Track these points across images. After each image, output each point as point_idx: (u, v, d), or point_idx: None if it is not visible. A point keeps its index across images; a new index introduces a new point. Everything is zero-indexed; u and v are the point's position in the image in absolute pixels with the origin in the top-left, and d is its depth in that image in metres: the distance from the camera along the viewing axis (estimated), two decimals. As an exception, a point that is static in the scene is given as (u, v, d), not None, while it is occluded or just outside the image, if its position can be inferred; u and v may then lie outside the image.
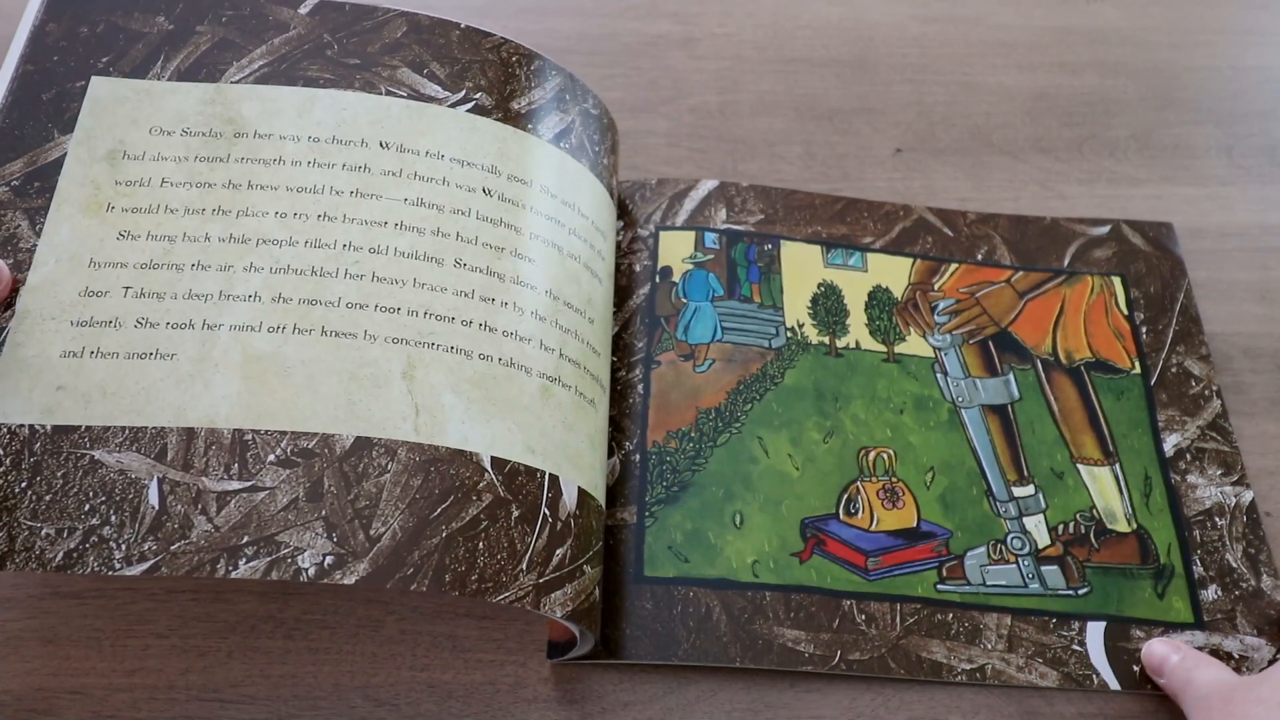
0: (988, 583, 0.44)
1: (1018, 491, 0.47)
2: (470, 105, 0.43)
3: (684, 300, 0.50)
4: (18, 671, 0.40)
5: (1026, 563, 0.45)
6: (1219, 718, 0.38)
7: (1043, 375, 0.50)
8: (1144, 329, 0.52)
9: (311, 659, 0.41)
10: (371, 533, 0.35)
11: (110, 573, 0.33)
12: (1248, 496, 0.47)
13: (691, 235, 0.52)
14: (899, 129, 0.60)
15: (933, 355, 0.50)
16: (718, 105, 0.60)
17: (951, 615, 0.43)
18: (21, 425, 0.35)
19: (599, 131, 0.48)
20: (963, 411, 0.49)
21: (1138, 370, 0.51)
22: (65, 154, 0.39)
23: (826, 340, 0.50)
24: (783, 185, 0.57)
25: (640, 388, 0.47)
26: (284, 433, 0.36)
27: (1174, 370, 0.51)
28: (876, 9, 0.66)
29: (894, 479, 0.46)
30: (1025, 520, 0.46)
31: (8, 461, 0.34)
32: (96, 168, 0.39)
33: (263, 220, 0.39)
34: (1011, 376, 0.50)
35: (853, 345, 0.50)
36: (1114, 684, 0.42)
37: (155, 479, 0.35)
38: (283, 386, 0.36)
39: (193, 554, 0.34)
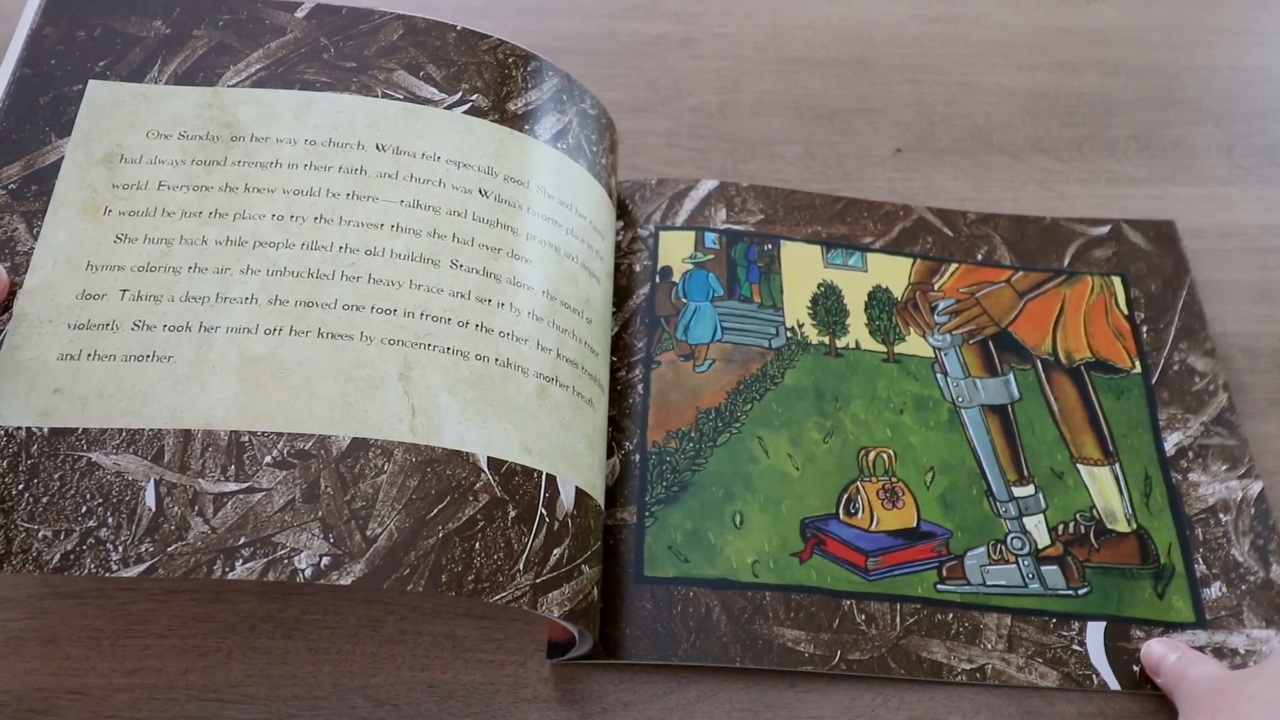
0: (988, 583, 0.44)
1: (1018, 491, 0.46)
2: (467, 107, 0.43)
3: (684, 300, 0.50)
4: (18, 671, 0.40)
5: (1026, 563, 0.45)
6: (1208, 712, 0.38)
7: (1042, 375, 0.50)
8: (1144, 328, 0.52)
9: (311, 659, 0.41)
10: (368, 533, 0.35)
11: (107, 574, 0.33)
12: (1256, 488, 0.47)
13: (691, 235, 0.52)
14: (899, 129, 0.60)
15: (933, 355, 0.50)
16: (718, 105, 0.60)
17: (951, 615, 0.43)
18: (19, 428, 0.35)
19: (597, 132, 0.48)
20: (963, 411, 0.49)
21: (1138, 370, 0.50)
22: (62, 157, 0.39)
23: (826, 340, 0.50)
24: (783, 185, 0.57)
25: (640, 388, 0.47)
26: (280, 434, 0.35)
27: (1176, 368, 0.51)
28: (876, 9, 0.66)
29: (894, 479, 0.46)
30: (1025, 520, 0.46)
31: (4, 464, 0.34)
32: (94, 171, 0.39)
33: (259, 223, 0.39)
34: (1011, 376, 0.50)
35: (853, 345, 0.50)
36: (1114, 684, 0.42)
37: (152, 481, 0.34)
38: (279, 388, 0.36)
39: (189, 555, 0.34)
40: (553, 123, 0.45)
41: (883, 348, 0.50)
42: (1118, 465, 0.48)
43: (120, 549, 0.34)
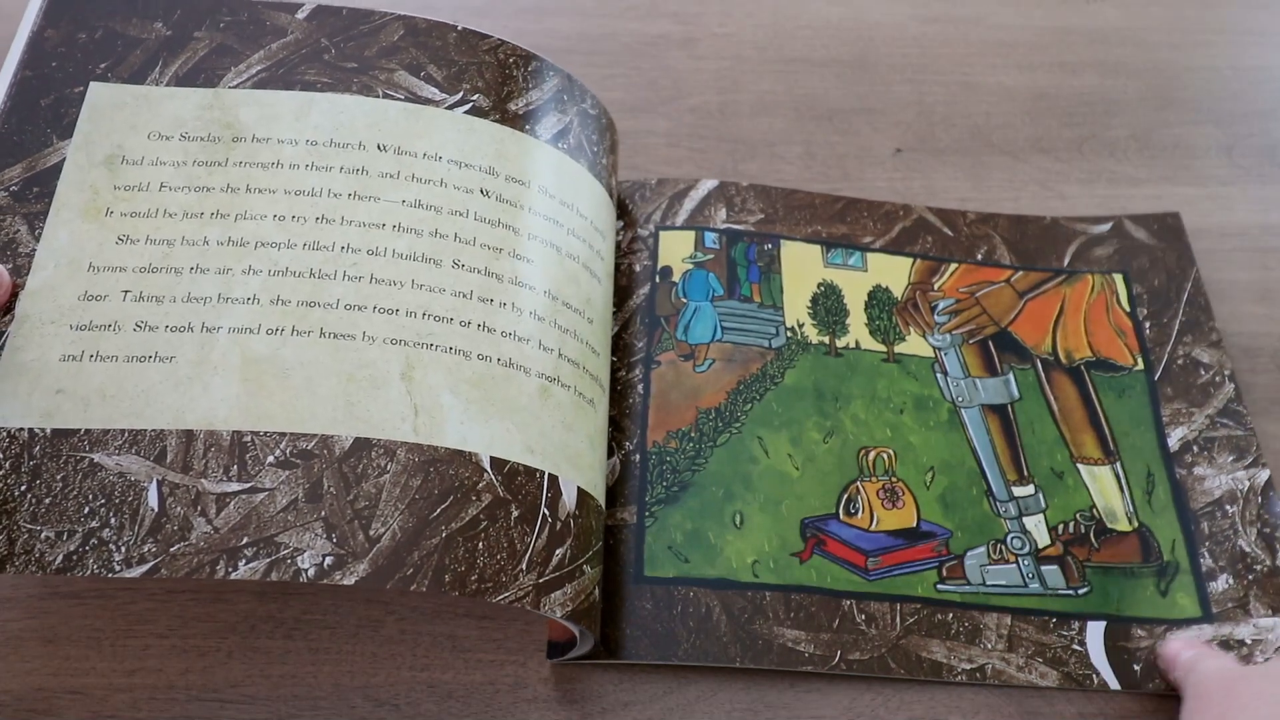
0: (988, 582, 0.44)
1: (1018, 491, 0.47)
2: (468, 107, 0.43)
3: (684, 300, 0.50)
4: (18, 671, 0.40)
5: (1026, 562, 0.45)
6: (1218, 706, 0.38)
7: (1042, 375, 0.50)
8: (1147, 324, 0.52)
9: (311, 659, 0.41)
10: (371, 533, 0.35)
11: (110, 575, 0.33)
12: (1264, 476, 0.47)
13: (691, 235, 0.52)
14: (899, 129, 0.60)
15: (932, 355, 0.50)
16: (718, 105, 0.60)
17: (951, 615, 0.43)
18: (21, 429, 0.35)
19: (597, 132, 0.48)
20: (962, 411, 0.49)
21: (1140, 366, 0.51)
22: (64, 159, 0.40)
23: (826, 340, 0.50)
24: (783, 185, 0.57)
25: (640, 388, 0.47)
26: (283, 434, 0.36)
27: (1180, 362, 0.51)
28: (876, 9, 0.66)
29: (894, 479, 0.46)
30: (1025, 520, 0.46)
31: (7, 465, 0.34)
32: (95, 172, 0.39)
33: (261, 223, 0.39)
34: (1011, 376, 0.50)
35: (853, 345, 0.50)
36: (1114, 683, 0.42)
37: (154, 481, 0.35)
38: (281, 388, 0.36)
39: (192, 555, 0.34)
40: (554, 123, 0.45)
41: (883, 347, 0.50)
42: (1119, 464, 0.48)
43: (123, 549, 0.34)
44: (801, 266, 0.52)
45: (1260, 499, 0.47)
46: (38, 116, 0.40)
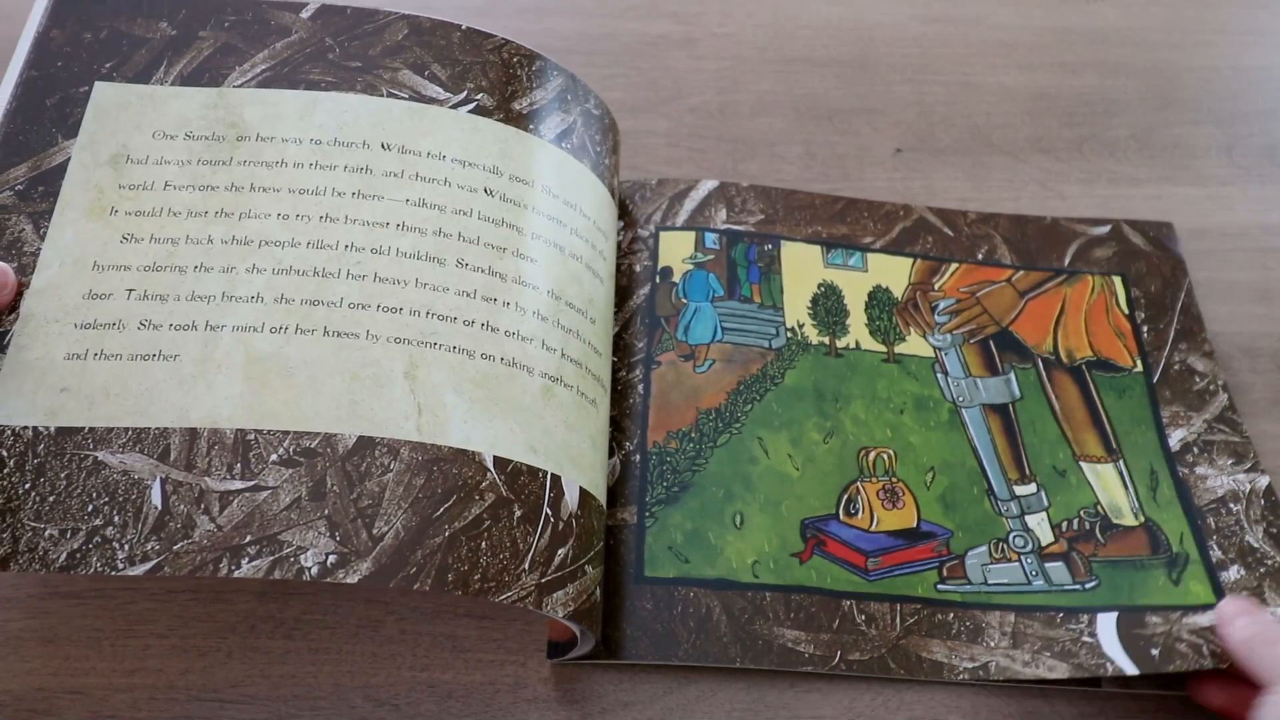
0: (989, 581, 0.45)
1: (1019, 490, 0.47)
2: (472, 106, 0.44)
3: (684, 300, 0.50)
4: (18, 671, 0.40)
5: (1029, 560, 0.45)
6: None
7: (1044, 374, 0.51)
8: (1145, 328, 0.53)
9: (311, 659, 0.41)
10: (374, 532, 0.35)
11: (113, 573, 0.34)
12: (1264, 481, 0.48)
13: (692, 236, 0.53)
14: (899, 129, 0.61)
15: (933, 355, 0.51)
16: (718, 105, 0.61)
17: (952, 615, 0.44)
18: (25, 427, 0.35)
19: (601, 132, 0.48)
20: (963, 411, 0.49)
21: (1139, 368, 0.51)
22: (69, 158, 0.40)
23: (826, 340, 0.50)
24: (783, 185, 0.57)
25: (640, 388, 0.48)
26: (286, 432, 0.36)
27: (1176, 368, 0.51)
28: (876, 9, 0.67)
29: (894, 479, 0.47)
30: (1027, 519, 0.47)
31: (11, 463, 0.35)
32: (100, 172, 0.40)
33: (265, 222, 0.39)
34: (1012, 375, 0.51)
35: (853, 345, 0.50)
36: (1130, 669, 0.42)
37: (158, 479, 0.35)
38: (285, 386, 0.36)
39: (195, 553, 0.34)
40: (557, 122, 0.46)
41: (883, 348, 0.50)
42: (1121, 462, 0.48)
43: (126, 547, 0.34)
44: (801, 267, 0.52)
45: (1263, 501, 0.47)
46: (43, 116, 0.41)
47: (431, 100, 0.43)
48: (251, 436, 0.36)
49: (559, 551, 0.38)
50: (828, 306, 0.51)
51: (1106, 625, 0.44)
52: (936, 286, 0.53)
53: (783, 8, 0.66)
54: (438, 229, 0.40)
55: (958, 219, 0.56)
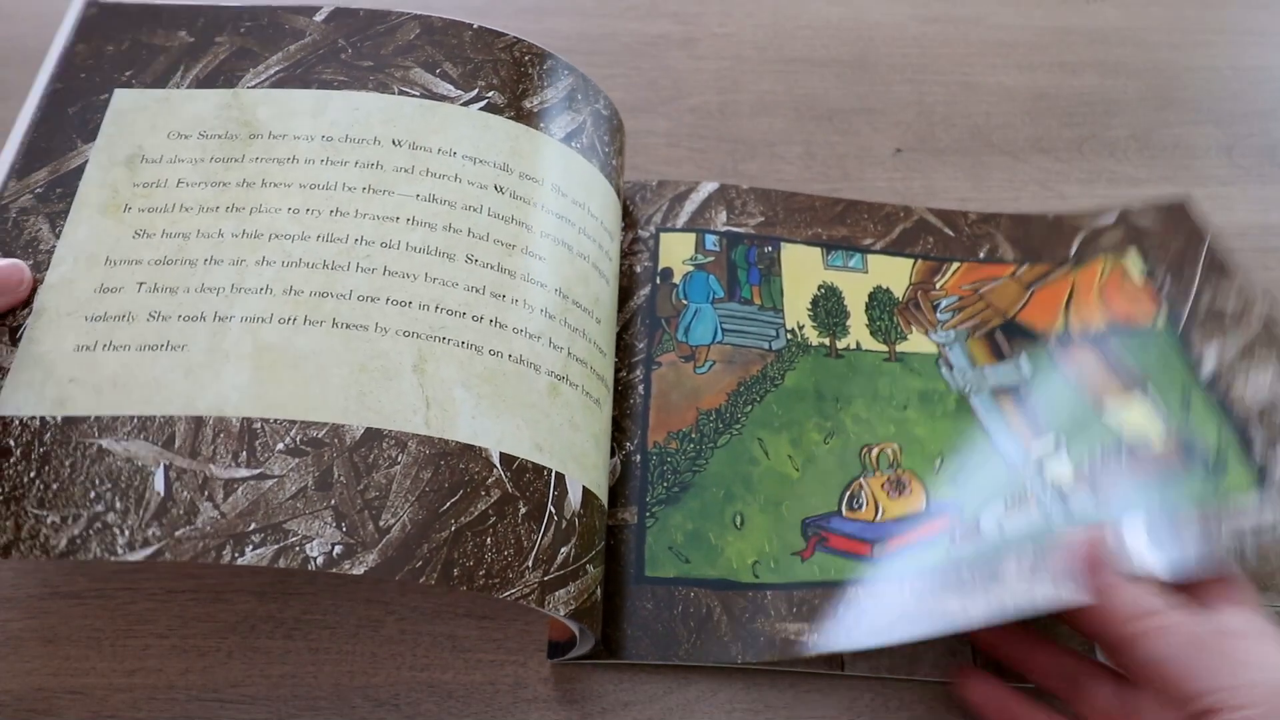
0: (1006, 531, 0.43)
1: (1035, 446, 0.46)
2: (483, 104, 0.44)
3: (684, 302, 0.51)
4: (18, 671, 0.41)
5: (1049, 500, 0.44)
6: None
7: (1058, 350, 0.50)
8: (1168, 280, 0.51)
9: (311, 659, 0.42)
10: (381, 523, 0.35)
11: (112, 558, 0.34)
12: None
13: (692, 237, 0.53)
14: (899, 129, 0.61)
15: (936, 351, 0.51)
16: (718, 105, 0.61)
17: (966, 570, 0.42)
18: (33, 417, 0.36)
19: (609, 133, 0.49)
20: (972, 398, 0.49)
21: (1163, 324, 0.50)
22: (86, 161, 0.41)
23: (827, 342, 0.51)
24: (783, 185, 0.58)
25: (641, 388, 0.48)
26: (294, 422, 0.36)
27: (1205, 310, 0.50)
28: (876, 9, 0.67)
29: (900, 470, 0.47)
30: (1045, 465, 0.46)
31: (18, 452, 0.35)
32: (115, 171, 0.41)
33: (275, 216, 0.40)
34: (1023, 358, 0.50)
35: (853, 346, 0.51)
36: (1160, 569, 0.38)
37: (162, 466, 0.35)
38: (293, 377, 0.37)
39: (198, 539, 0.34)
40: (567, 121, 0.46)
41: (884, 347, 0.51)
42: (1149, 394, 0.47)
43: (127, 533, 0.34)
44: (802, 269, 0.53)
45: None
46: (65, 124, 0.42)
47: (443, 98, 0.44)
48: (258, 425, 0.36)
49: (562, 550, 0.38)
50: (828, 308, 0.52)
51: (1134, 531, 0.41)
52: (938, 285, 0.53)
53: (783, 8, 0.67)
54: (448, 224, 0.41)
55: (958, 219, 0.56)
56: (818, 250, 0.54)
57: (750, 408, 0.48)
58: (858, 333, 0.51)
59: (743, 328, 0.50)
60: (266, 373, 0.37)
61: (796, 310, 0.51)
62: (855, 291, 0.52)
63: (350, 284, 0.39)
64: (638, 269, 0.52)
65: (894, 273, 0.54)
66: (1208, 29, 0.67)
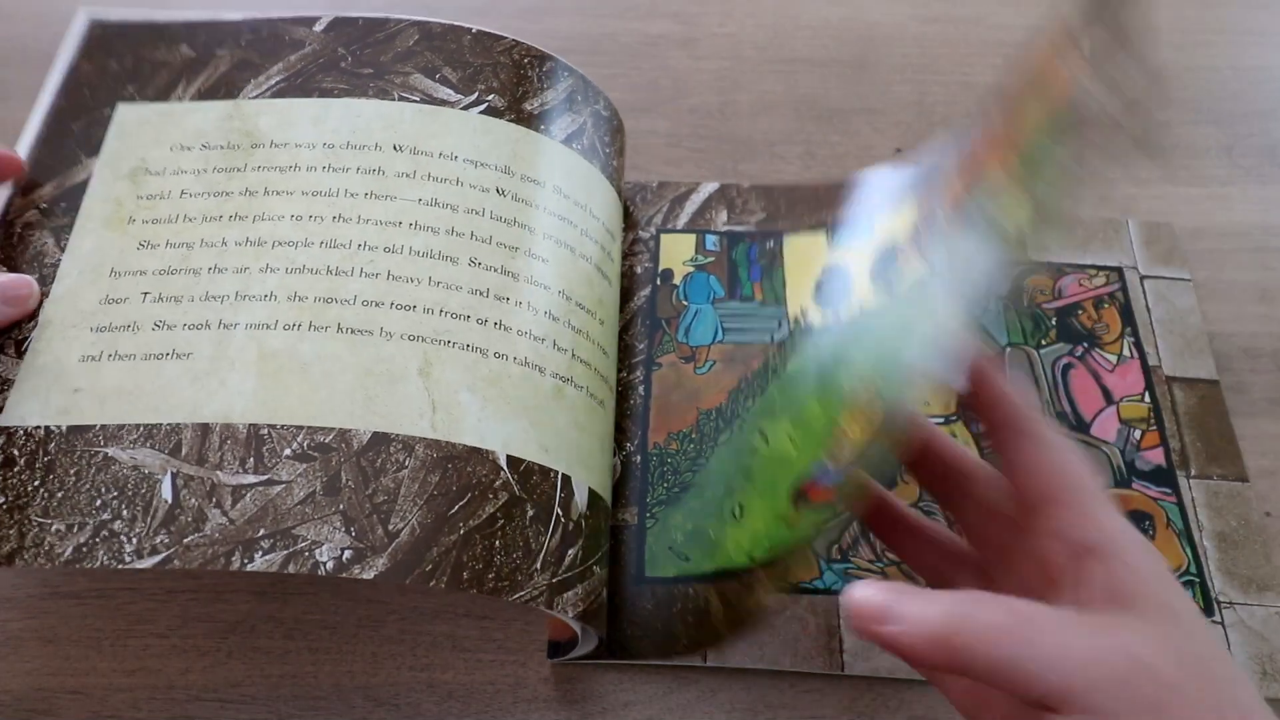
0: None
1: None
2: (483, 107, 0.45)
3: (685, 303, 0.51)
4: (18, 671, 0.41)
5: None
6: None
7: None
8: None
9: (311, 659, 0.42)
10: (390, 528, 0.36)
11: (120, 566, 0.34)
12: None
13: (692, 238, 0.53)
14: (899, 129, 0.62)
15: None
16: (718, 105, 0.62)
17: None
18: (38, 427, 0.36)
19: (610, 134, 0.49)
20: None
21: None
22: (91, 175, 0.42)
23: (830, 318, 0.50)
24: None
25: (641, 389, 0.48)
26: (300, 428, 0.36)
27: None
28: (876, 9, 0.67)
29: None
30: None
31: (22, 462, 0.36)
32: (119, 185, 0.42)
33: (278, 224, 0.40)
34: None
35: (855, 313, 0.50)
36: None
37: (169, 473, 0.36)
38: (299, 382, 0.37)
39: (206, 546, 0.35)
40: (567, 123, 0.47)
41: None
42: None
43: (134, 541, 0.34)
44: (806, 256, 0.53)
45: None
46: (70, 140, 0.43)
47: (443, 102, 0.44)
48: (265, 431, 0.36)
49: (569, 552, 0.38)
50: (832, 287, 0.51)
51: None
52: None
53: (783, 8, 0.67)
54: (450, 228, 0.41)
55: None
56: (822, 234, 0.53)
57: (752, 401, 0.48)
58: (861, 297, 0.50)
59: (744, 325, 0.51)
60: (272, 379, 0.37)
61: (800, 297, 0.51)
62: (861, 262, 0.51)
63: (354, 289, 0.39)
64: (638, 270, 0.52)
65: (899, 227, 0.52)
66: (1208, 29, 0.68)
